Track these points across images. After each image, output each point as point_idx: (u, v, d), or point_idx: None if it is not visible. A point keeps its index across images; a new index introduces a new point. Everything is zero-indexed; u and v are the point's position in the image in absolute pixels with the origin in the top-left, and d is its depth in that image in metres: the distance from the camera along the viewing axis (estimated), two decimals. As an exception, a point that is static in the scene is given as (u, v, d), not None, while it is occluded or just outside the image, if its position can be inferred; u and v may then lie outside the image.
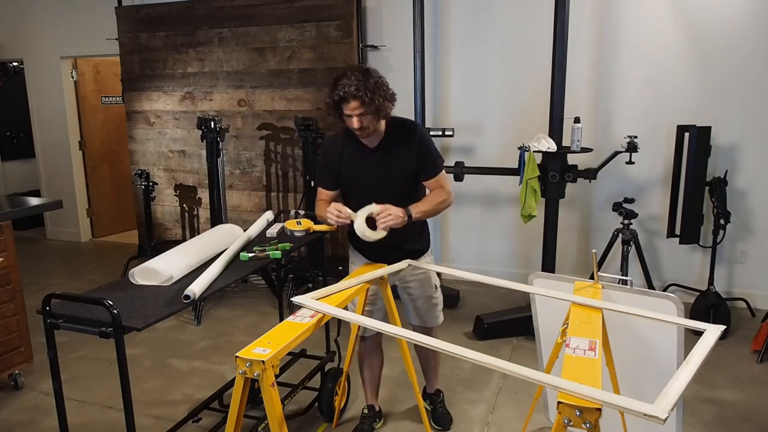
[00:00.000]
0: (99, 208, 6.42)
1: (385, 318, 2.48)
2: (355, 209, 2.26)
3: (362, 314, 2.41)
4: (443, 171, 2.41)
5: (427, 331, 2.58)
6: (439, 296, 2.61)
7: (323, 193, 2.43)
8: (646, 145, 3.88)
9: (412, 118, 4.27)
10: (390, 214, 2.19)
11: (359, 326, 2.50)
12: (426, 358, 2.73)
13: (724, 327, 1.80)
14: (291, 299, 2.05)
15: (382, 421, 2.77)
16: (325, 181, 2.42)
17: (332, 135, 2.49)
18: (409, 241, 2.44)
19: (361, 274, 2.29)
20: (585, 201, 4.42)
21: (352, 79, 2.12)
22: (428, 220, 2.47)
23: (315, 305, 1.95)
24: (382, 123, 2.29)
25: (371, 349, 2.64)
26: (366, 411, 2.70)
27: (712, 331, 1.73)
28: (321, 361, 2.87)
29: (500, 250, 4.72)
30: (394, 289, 2.54)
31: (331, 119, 2.32)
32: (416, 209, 2.27)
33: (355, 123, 2.17)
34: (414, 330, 2.61)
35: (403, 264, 2.39)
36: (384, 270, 2.33)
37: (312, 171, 4.41)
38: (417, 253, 2.48)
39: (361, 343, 2.61)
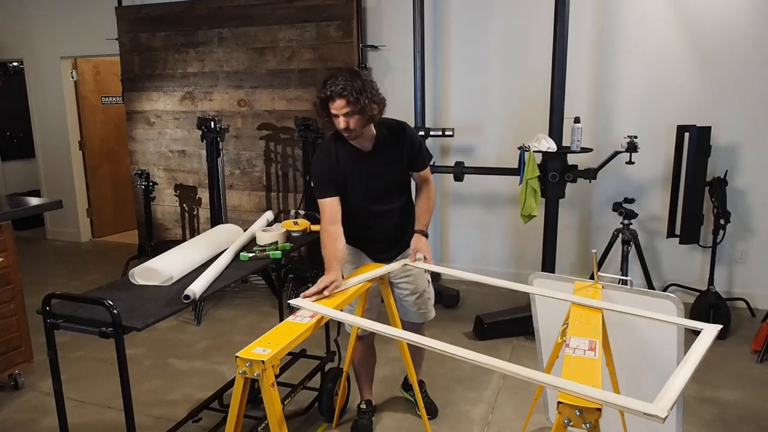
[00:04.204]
0: (99, 208, 6.42)
1: (378, 315, 2.52)
2: (351, 213, 2.34)
3: (362, 314, 2.41)
4: (430, 161, 2.53)
5: (416, 327, 2.63)
6: (431, 290, 2.65)
7: (327, 204, 2.30)
8: (646, 145, 3.88)
9: (413, 118, 4.30)
10: (424, 255, 2.36)
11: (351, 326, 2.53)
12: (414, 348, 2.69)
13: (721, 326, 1.80)
14: (288, 301, 2.05)
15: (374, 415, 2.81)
16: (328, 190, 2.32)
17: (321, 144, 2.51)
18: (405, 232, 2.50)
19: (360, 274, 2.29)
20: (585, 201, 4.42)
21: (340, 79, 2.14)
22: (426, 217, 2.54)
23: (311, 306, 1.95)
24: (372, 126, 2.31)
25: (368, 346, 2.69)
26: (364, 406, 2.73)
27: (709, 331, 1.73)
28: (321, 361, 2.87)
29: (500, 250, 4.72)
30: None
31: (320, 119, 2.33)
32: (424, 224, 2.44)
33: (341, 123, 2.19)
34: (403, 326, 2.59)
35: (397, 264, 2.40)
36: (383, 270, 2.33)
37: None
38: (408, 242, 2.50)
39: (358, 342, 2.61)
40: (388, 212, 2.44)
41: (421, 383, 2.88)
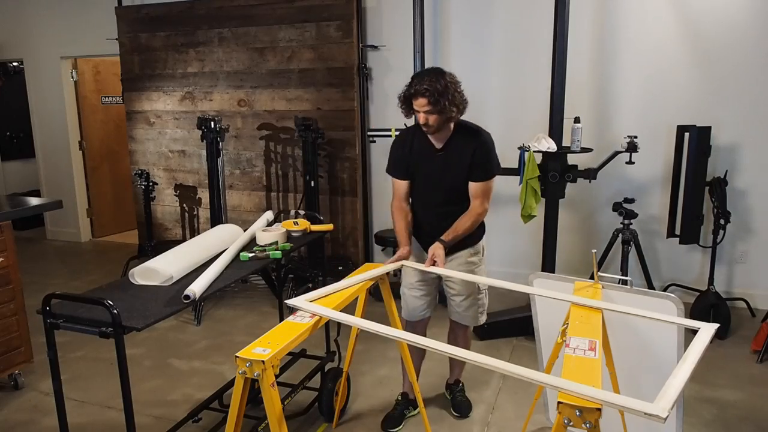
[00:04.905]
0: (99, 208, 6.42)
1: (432, 304, 2.64)
2: (415, 206, 2.58)
3: (362, 315, 2.41)
4: (491, 182, 2.48)
5: (461, 329, 2.71)
6: (482, 297, 2.65)
7: (398, 183, 2.56)
8: (646, 145, 3.88)
9: (413, 118, 4.29)
10: (436, 262, 2.38)
11: (404, 310, 2.65)
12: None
13: (718, 325, 1.80)
14: (285, 301, 2.06)
15: (417, 410, 2.78)
16: (398, 171, 2.55)
17: (404, 129, 2.65)
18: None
19: (360, 274, 2.30)
20: (585, 201, 4.42)
21: (425, 78, 2.29)
22: None
23: (309, 307, 1.95)
24: (451, 125, 2.43)
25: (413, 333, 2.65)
26: (399, 398, 2.77)
27: (707, 330, 1.73)
28: (321, 361, 2.87)
29: (500, 250, 4.71)
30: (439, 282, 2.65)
31: (402, 111, 2.44)
32: (449, 236, 2.43)
33: (421, 119, 2.35)
34: (450, 325, 2.75)
35: (396, 265, 2.43)
36: (383, 269, 2.34)
37: (312, 171, 4.41)
38: (463, 244, 2.53)
39: (406, 327, 2.65)
40: (446, 213, 2.48)
41: (457, 382, 2.92)
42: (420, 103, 2.30)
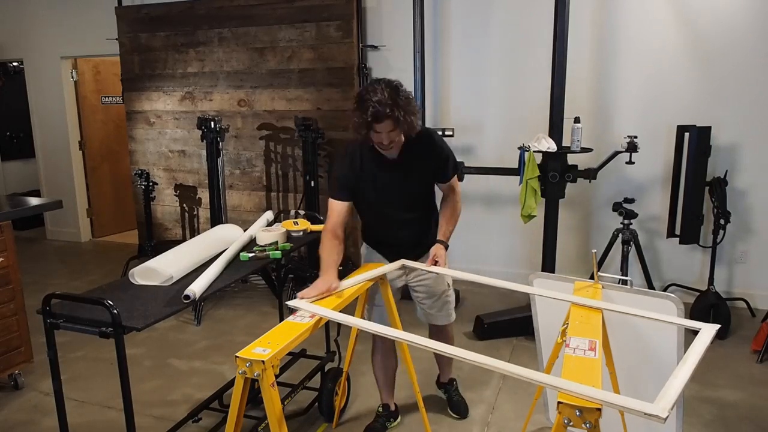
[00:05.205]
0: (99, 208, 6.42)
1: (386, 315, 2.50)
2: (370, 221, 2.46)
3: (362, 315, 2.41)
4: (458, 171, 2.46)
5: (440, 329, 2.64)
6: (451, 293, 2.62)
7: (338, 206, 2.33)
8: (646, 145, 3.88)
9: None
10: (437, 261, 2.33)
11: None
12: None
13: (719, 326, 1.80)
14: (286, 302, 2.05)
15: (398, 420, 2.76)
16: (342, 194, 2.34)
17: (348, 145, 2.40)
18: (424, 238, 2.48)
19: (359, 275, 2.29)
20: (585, 201, 4.41)
21: (378, 97, 2.04)
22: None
23: (310, 308, 1.95)
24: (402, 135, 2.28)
25: (383, 347, 2.63)
26: (380, 410, 2.71)
27: (707, 330, 1.74)
28: (321, 361, 2.87)
29: (500, 250, 4.72)
30: (405, 289, 2.58)
31: (357, 135, 2.21)
32: (446, 235, 2.41)
33: (384, 140, 2.14)
34: (429, 329, 2.70)
35: (396, 264, 2.40)
36: (382, 269, 2.33)
37: (312, 171, 4.40)
38: (426, 246, 2.46)
39: (377, 341, 2.61)
40: (408, 221, 2.43)
41: (451, 381, 2.90)
42: (385, 127, 2.08)
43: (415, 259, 2.46)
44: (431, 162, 2.35)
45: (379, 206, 2.40)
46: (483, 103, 4.54)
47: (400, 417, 2.78)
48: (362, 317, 2.46)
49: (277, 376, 1.71)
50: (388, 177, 2.32)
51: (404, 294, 2.65)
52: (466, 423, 2.77)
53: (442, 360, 2.85)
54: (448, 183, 2.45)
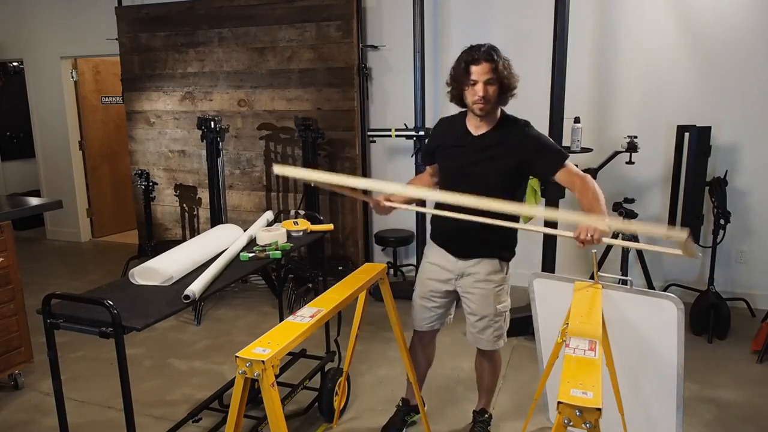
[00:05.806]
0: (99, 208, 6.42)
1: (443, 317, 2.48)
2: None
3: (362, 314, 2.41)
4: (568, 159, 2.18)
5: (482, 353, 2.46)
6: (500, 319, 2.37)
7: (424, 172, 2.50)
8: (646, 145, 3.88)
9: (412, 118, 4.29)
10: (589, 234, 1.87)
11: (413, 318, 2.49)
12: (480, 373, 2.58)
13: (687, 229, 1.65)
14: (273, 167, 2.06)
15: (418, 415, 2.70)
16: (423, 156, 2.53)
17: (447, 116, 2.41)
18: (488, 234, 2.25)
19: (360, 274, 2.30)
20: (585, 201, 4.41)
21: (485, 45, 2.12)
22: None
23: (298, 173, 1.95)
24: (498, 111, 2.24)
25: (419, 343, 2.56)
26: (400, 404, 2.69)
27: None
28: (321, 361, 2.87)
29: (500, 250, 4.71)
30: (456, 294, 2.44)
31: (450, 91, 2.22)
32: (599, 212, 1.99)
33: (479, 90, 2.11)
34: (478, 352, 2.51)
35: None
36: (382, 269, 2.34)
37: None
38: (488, 249, 2.34)
39: (414, 335, 2.56)
40: (475, 209, 2.06)
41: (482, 411, 2.61)
42: (482, 70, 2.07)
43: (469, 257, 2.31)
44: (518, 152, 2.17)
45: (452, 181, 2.23)
46: (483, 103, 4.53)
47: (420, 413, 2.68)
48: (361, 318, 2.46)
49: (277, 376, 1.71)
50: (465, 152, 2.23)
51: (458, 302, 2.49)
52: (466, 423, 2.77)
53: (480, 386, 2.60)
54: (565, 170, 2.14)
